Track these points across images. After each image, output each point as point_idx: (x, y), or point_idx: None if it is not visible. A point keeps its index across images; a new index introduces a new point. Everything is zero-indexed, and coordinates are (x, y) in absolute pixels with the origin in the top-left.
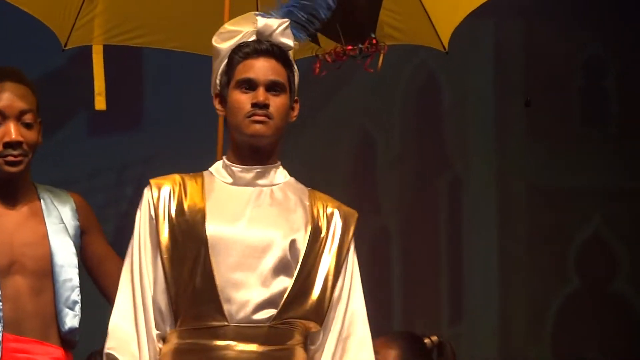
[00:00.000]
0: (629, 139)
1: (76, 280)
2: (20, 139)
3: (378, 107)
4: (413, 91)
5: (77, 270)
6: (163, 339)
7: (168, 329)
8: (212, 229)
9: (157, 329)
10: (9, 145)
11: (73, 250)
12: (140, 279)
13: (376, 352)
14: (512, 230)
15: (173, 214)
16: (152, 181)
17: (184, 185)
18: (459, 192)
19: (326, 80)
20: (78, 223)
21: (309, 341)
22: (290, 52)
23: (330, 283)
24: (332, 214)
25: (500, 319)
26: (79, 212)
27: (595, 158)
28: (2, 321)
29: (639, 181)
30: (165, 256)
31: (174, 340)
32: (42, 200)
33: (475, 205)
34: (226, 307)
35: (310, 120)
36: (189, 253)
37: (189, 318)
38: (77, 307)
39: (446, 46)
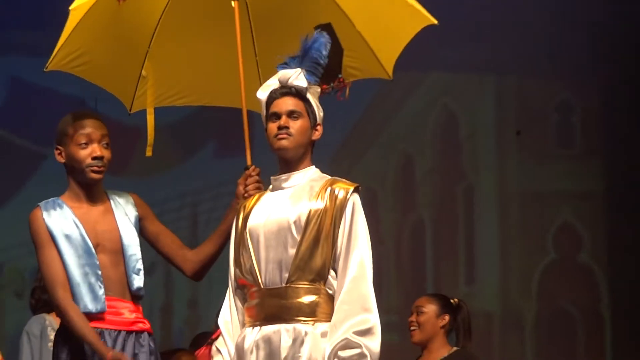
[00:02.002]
0: (588, 157)
1: (139, 254)
2: (102, 155)
3: (415, 137)
4: (438, 126)
5: (139, 248)
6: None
7: (240, 301)
8: (249, 226)
9: (239, 301)
10: (95, 158)
11: (135, 233)
12: (231, 269)
13: (421, 306)
14: (508, 221)
15: (240, 221)
16: (245, 200)
17: (253, 201)
18: (471, 195)
19: (377, 117)
20: (137, 213)
21: (330, 289)
22: (313, 90)
23: (325, 247)
24: (333, 190)
25: (500, 281)
26: (136, 206)
27: (566, 170)
28: (102, 283)
29: (595, 185)
30: (238, 249)
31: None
32: (111, 201)
33: (482, 204)
34: (259, 277)
35: (367, 146)
36: (242, 246)
37: (243, 288)
38: (141, 273)
39: (391, 75)
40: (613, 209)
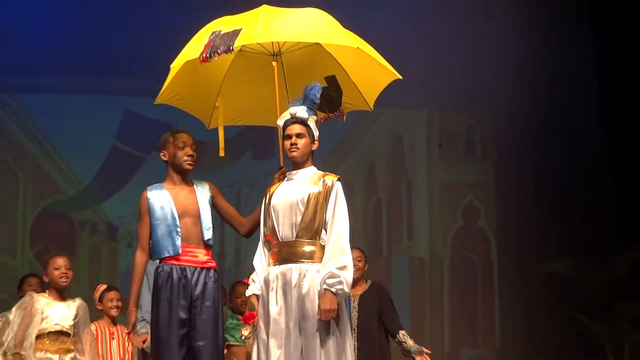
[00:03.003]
0: (484, 161)
1: (209, 219)
2: (193, 154)
3: (376, 149)
4: (391, 142)
5: (210, 215)
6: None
7: (267, 249)
8: (272, 202)
9: (266, 250)
10: (189, 156)
11: (208, 206)
12: (261, 230)
13: (356, 257)
14: (434, 201)
15: (267, 199)
16: (271, 186)
17: (275, 186)
18: (411, 185)
19: (354, 136)
20: (210, 194)
21: (322, 242)
22: (311, 119)
23: (321, 215)
24: (324, 180)
25: (429, 239)
26: (210, 189)
27: (470, 169)
28: (180, 236)
29: (488, 179)
30: (266, 217)
31: (269, 251)
32: (194, 185)
33: (418, 191)
34: (278, 234)
35: (347, 154)
36: (267, 215)
37: (268, 242)
38: (210, 230)
39: (372, 108)
40: (499, 194)
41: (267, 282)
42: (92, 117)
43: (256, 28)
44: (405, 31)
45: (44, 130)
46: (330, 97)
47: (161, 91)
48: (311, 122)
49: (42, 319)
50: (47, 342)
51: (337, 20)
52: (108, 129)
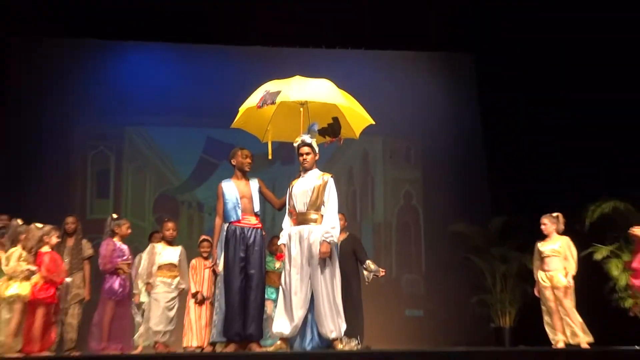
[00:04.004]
0: (416, 165)
1: (258, 200)
2: (251, 162)
3: (353, 160)
4: (361, 155)
5: (258, 198)
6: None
7: (289, 217)
8: (293, 190)
9: (289, 218)
10: (249, 163)
11: (257, 193)
12: (287, 205)
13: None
14: (387, 190)
15: (290, 188)
16: (292, 181)
17: (295, 181)
18: (373, 181)
19: (342, 152)
20: (258, 185)
21: (322, 214)
22: (313, 141)
23: (321, 197)
24: (322, 177)
25: (383, 211)
26: (258, 182)
27: (407, 170)
28: (240, 209)
29: (418, 176)
30: (289, 198)
31: (290, 218)
32: (249, 180)
33: (376, 184)
34: (296, 208)
35: (335, 162)
36: (290, 197)
37: (290, 213)
38: (258, 205)
39: (357, 137)
40: (424, 185)
41: (290, 236)
42: (188, 139)
43: (291, 90)
44: (372, 93)
45: (161, 148)
46: (334, 129)
47: (235, 120)
48: (313, 143)
49: (160, 258)
50: (164, 270)
51: (335, 82)
52: (198, 147)
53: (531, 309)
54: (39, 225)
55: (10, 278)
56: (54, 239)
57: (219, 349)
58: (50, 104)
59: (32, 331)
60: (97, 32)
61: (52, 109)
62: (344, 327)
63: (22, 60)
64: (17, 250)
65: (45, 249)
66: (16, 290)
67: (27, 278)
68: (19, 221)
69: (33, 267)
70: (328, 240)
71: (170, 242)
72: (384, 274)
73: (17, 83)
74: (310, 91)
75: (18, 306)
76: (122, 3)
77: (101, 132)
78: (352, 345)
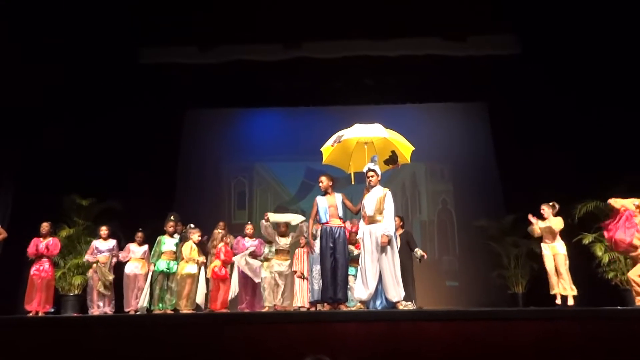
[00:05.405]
0: (448, 180)
1: (341, 208)
2: (333, 183)
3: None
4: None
5: (341, 207)
6: None
7: (362, 218)
8: (364, 201)
9: (363, 220)
10: (332, 185)
11: (341, 202)
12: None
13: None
14: (430, 199)
15: (363, 198)
16: (363, 195)
17: (365, 194)
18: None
19: (393, 174)
20: (342, 198)
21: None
22: (376, 167)
23: (383, 205)
24: (383, 191)
25: (428, 214)
26: (341, 196)
27: (444, 183)
28: (328, 214)
29: (449, 188)
30: (362, 207)
31: (363, 220)
32: (335, 194)
33: (421, 197)
34: (367, 212)
35: (388, 181)
36: (362, 206)
37: (363, 215)
38: (341, 211)
39: (409, 160)
40: (456, 194)
41: (363, 232)
42: (294, 169)
43: (352, 132)
44: (417, 134)
45: (278, 176)
46: (393, 159)
47: (324, 158)
48: (376, 168)
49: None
50: (280, 255)
51: (384, 125)
52: (300, 174)
53: (536, 280)
54: (220, 230)
55: (187, 262)
56: (229, 239)
57: (318, 308)
58: (209, 151)
59: (217, 296)
60: (235, 102)
61: (210, 154)
62: (402, 293)
63: (190, 124)
64: (188, 244)
65: (221, 245)
66: (188, 270)
67: (196, 262)
68: (222, 226)
69: (200, 257)
70: (386, 233)
71: (283, 235)
72: (425, 257)
73: (188, 138)
74: (369, 132)
75: (189, 280)
76: (249, 90)
77: (240, 167)
78: (409, 306)
